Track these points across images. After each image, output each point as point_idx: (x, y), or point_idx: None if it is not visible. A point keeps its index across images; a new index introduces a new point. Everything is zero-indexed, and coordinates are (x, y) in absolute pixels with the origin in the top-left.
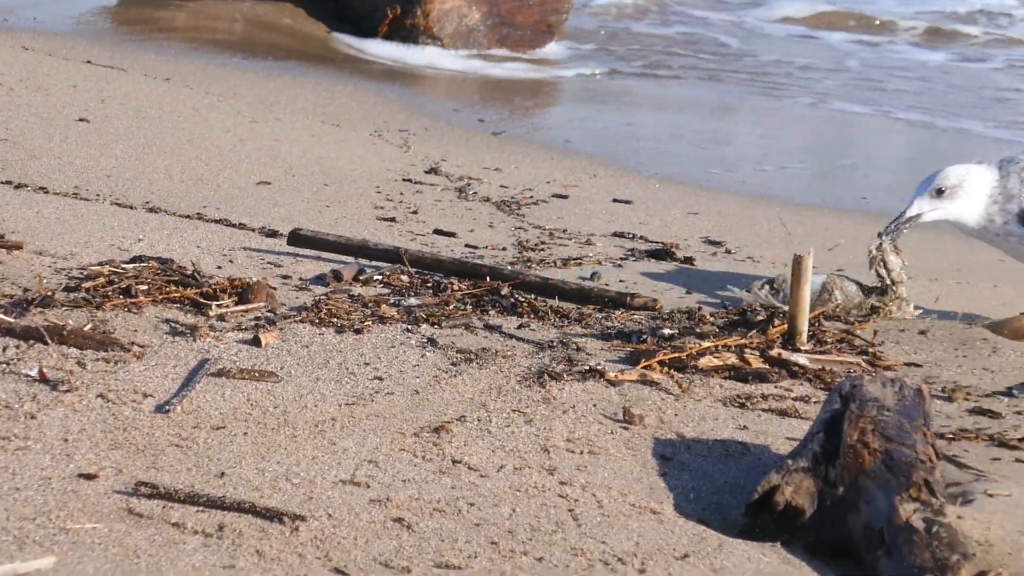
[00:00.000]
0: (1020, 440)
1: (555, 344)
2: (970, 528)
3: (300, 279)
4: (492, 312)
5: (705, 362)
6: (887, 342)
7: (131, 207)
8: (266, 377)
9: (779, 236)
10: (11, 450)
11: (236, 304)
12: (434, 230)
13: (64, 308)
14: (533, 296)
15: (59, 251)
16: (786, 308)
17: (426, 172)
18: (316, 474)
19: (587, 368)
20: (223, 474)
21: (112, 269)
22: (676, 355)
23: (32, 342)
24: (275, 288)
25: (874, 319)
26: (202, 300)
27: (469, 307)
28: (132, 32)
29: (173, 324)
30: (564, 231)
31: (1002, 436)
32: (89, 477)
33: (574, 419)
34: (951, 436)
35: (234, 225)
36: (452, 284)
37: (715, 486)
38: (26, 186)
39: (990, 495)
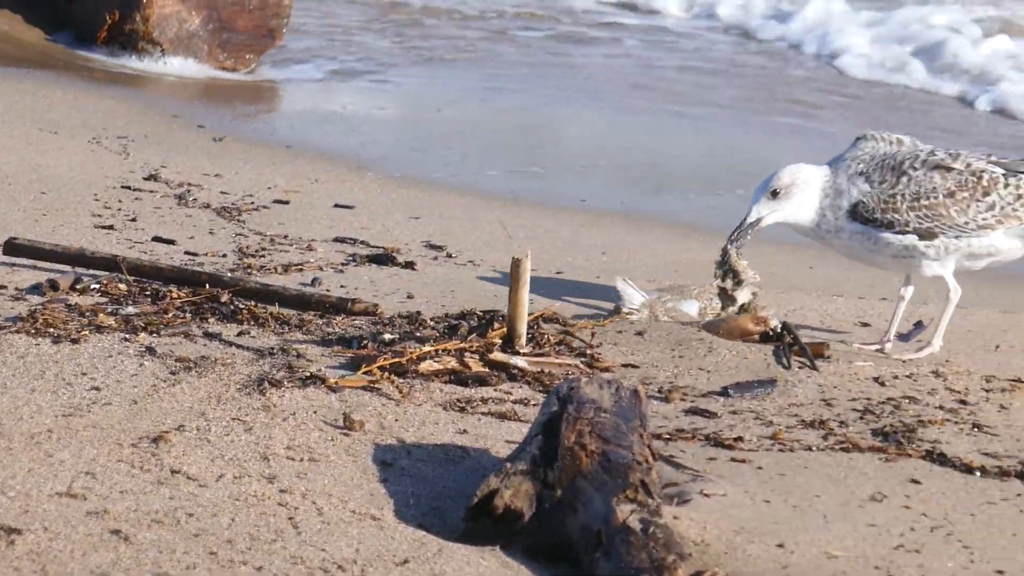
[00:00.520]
0: (736, 440)
1: (275, 351)
2: (687, 528)
3: (16, 289)
4: (212, 319)
5: (426, 367)
6: (605, 344)
7: None
8: None
9: (501, 239)
10: None
11: None
12: (153, 237)
13: None
14: (253, 303)
15: None
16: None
17: (145, 179)
18: (32, 487)
19: (308, 375)
20: None
21: None
22: (397, 360)
23: None
24: None
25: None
26: None
27: (188, 315)
28: None
29: None
30: (285, 237)
31: (718, 436)
32: None
33: (294, 426)
34: (668, 436)
35: None
36: (171, 292)
37: (435, 491)
38: None
39: (706, 495)
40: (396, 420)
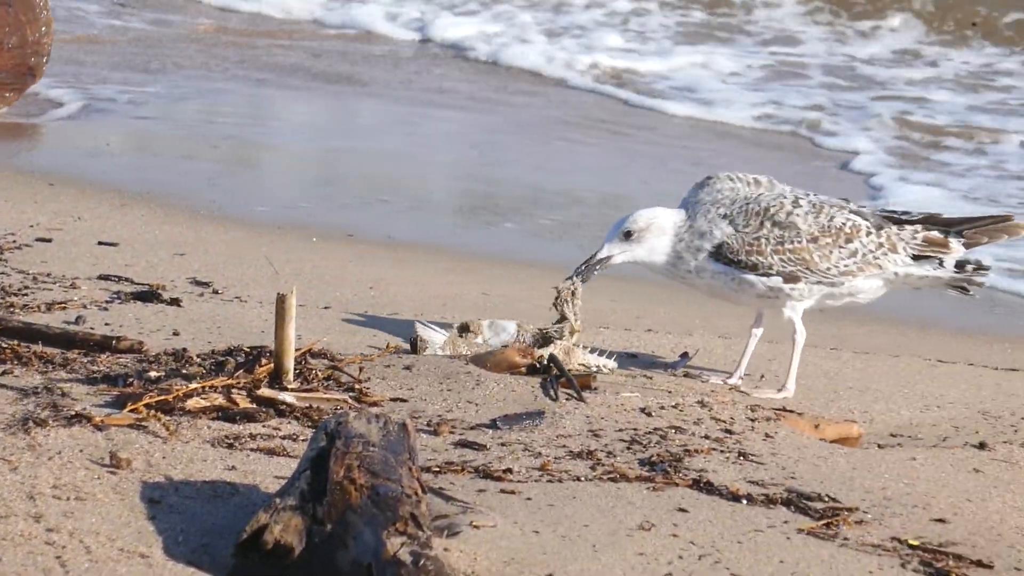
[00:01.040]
0: (505, 471)
1: (40, 390)
2: (457, 560)
3: None
4: None
5: (193, 403)
6: (373, 378)
7: None
8: None
9: (267, 274)
10: None
11: None
12: None
13: None
14: (16, 342)
15: None
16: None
17: None
18: None
19: (73, 413)
20: None
21: None
22: (163, 397)
23: None
24: None
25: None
26: None
27: None
28: None
29: None
30: (48, 275)
31: (487, 468)
32: None
33: (60, 465)
34: (438, 469)
35: None
36: None
37: (204, 528)
38: None
39: (476, 527)
40: (164, 457)
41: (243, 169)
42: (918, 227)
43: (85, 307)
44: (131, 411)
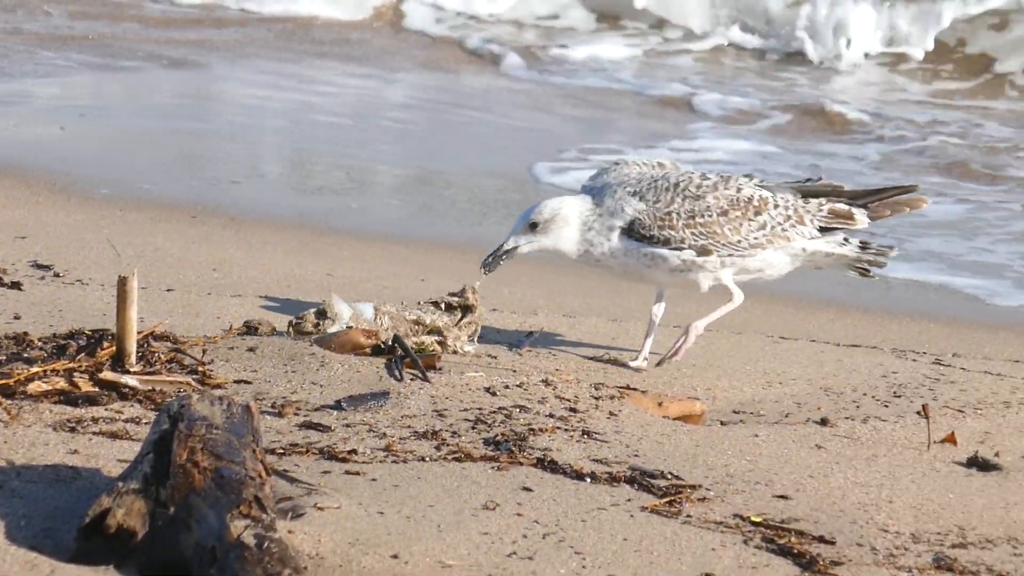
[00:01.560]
0: (350, 452)
1: None
2: (301, 542)
3: None
4: None
5: (34, 387)
6: (217, 360)
7: None
8: None
9: (110, 257)
10: None
11: None
12: None
13: None
14: None
15: None
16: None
17: None
18: None
19: None
20: None
21: None
22: (4, 382)
23: None
24: None
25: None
26: None
27: None
28: None
29: None
30: None
31: (332, 449)
32: None
33: None
34: (282, 451)
35: None
36: None
37: (47, 512)
38: None
39: (320, 508)
40: (5, 442)
41: (86, 151)
42: (823, 200)
43: None
44: None
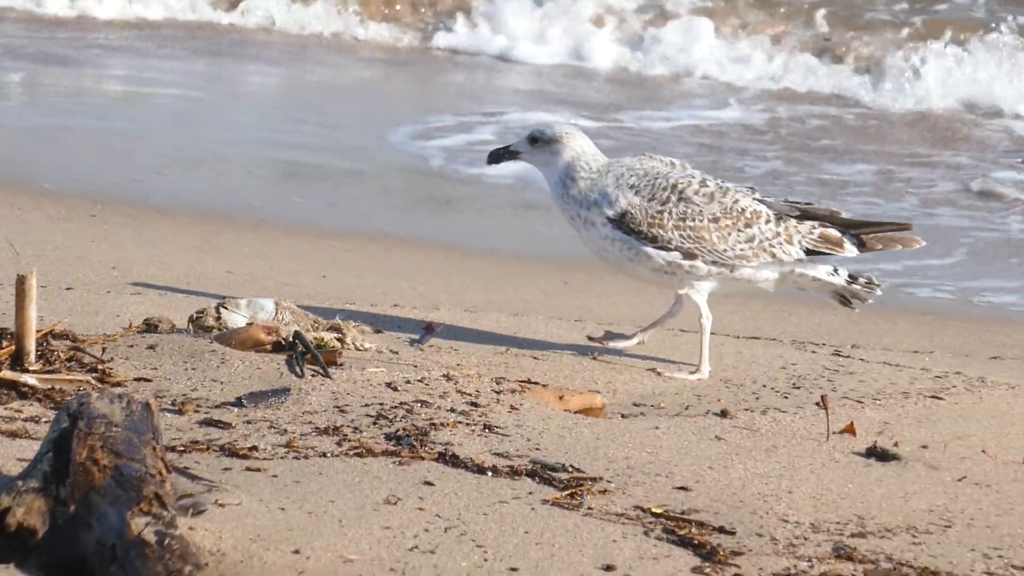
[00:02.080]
0: (250, 449)
1: None
2: (202, 538)
3: None
4: None
5: None
6: (117, 358)
7: None
8: None
9: (8, 256)
10: None
11: None
12: None
13: None
14: None
15: None
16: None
17: None
18: None
19: None
20: None
21: None
22: None
23: None
24: None
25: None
26: None
27: None
28: None
29: None
30: None
31: (233, 446)
32: None
33: None
34: (183, 449)
35: None
36: None
37: None
38: None
39: (221, 505)
40: None
41: None
42: (816, 223)
43: None
44: None
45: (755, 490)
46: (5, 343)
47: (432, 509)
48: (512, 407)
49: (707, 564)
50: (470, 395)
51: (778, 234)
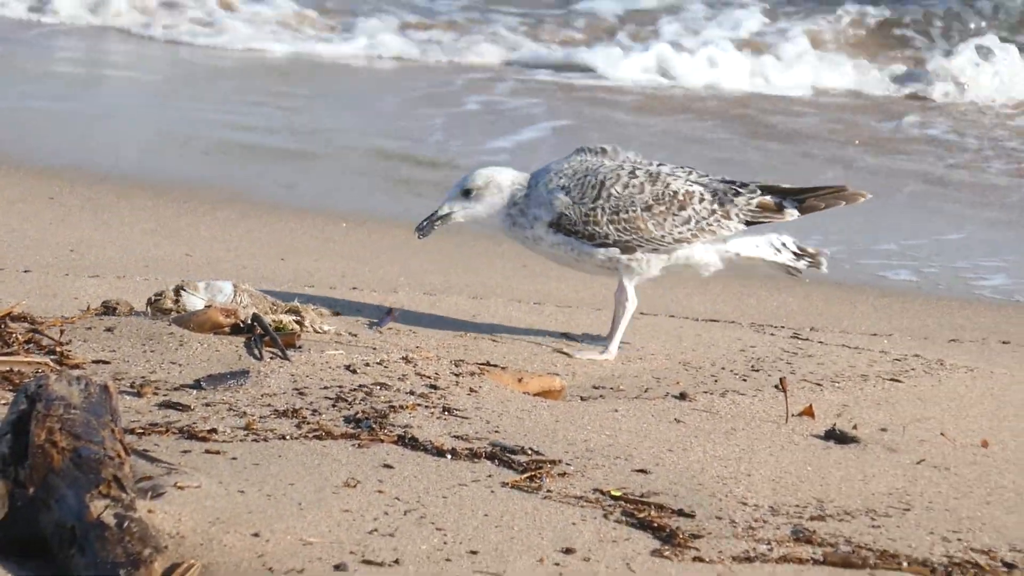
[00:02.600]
0: (210, 432)
1: None
2: (162, 521)
3: None
4: None
5: None
6: (75, 341)
7: None
8: None
9: None
10: None
11: None
12: None
13: None
14: None
15: None
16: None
17: None
18: None
19: None
20: None
21: None
22: None
23: None
24: None
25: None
26: None
27: None
28: None
29: None
30: None
31: (192, 428)
32: None
33: None
34: (142, 431)
35: None
36: None
37: None
38: None
39: (180, 487)
40: None
41: None
42: (753, 194)
43: None
44: None
45: (714, 473)
46: None
47: (392, 492)
48: (471, 390)
49: (666, 547)
50: (429, 378)
51: (713, 211)
